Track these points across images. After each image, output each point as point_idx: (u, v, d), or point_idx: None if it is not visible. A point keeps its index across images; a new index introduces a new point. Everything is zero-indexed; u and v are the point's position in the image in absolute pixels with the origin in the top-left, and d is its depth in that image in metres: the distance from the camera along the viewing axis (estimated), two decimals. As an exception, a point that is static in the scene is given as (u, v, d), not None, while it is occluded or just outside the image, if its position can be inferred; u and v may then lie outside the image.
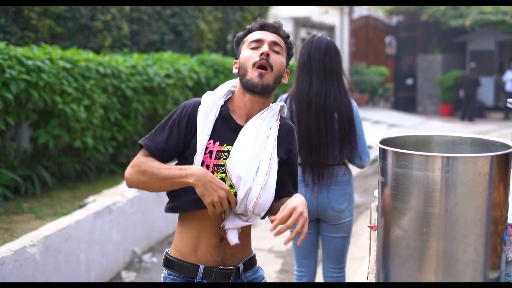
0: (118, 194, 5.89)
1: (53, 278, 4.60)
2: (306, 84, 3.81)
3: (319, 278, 4.44)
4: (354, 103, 3.90)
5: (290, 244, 4.30)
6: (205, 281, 2.39)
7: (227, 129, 2.41)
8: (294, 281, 4.15)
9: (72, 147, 6.89)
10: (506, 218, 2.04)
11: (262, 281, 2.56)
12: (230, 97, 2.51)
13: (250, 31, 2.50)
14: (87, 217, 5.16)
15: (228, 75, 9.95)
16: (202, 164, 2.34)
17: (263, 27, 2.48)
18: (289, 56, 2.53)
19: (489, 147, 2.17)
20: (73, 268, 4.90)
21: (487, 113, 21.99)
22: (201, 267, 2.39)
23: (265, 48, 2.38)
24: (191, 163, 2.35)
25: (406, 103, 23.82)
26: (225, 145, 2.38)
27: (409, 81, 24.17)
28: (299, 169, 3.84)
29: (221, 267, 2.40)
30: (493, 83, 22.61)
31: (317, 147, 3.77)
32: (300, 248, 4.06)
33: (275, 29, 2.48)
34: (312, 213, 3.88)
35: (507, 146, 2.07)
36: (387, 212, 2.05)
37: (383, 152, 2.06)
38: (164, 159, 2.39)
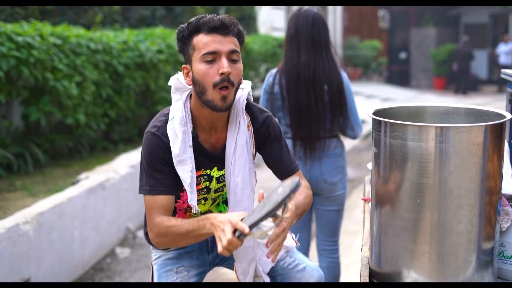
0: (111, 171, 5.87)
1: (47, 255, 4.59)
2: (294, 57, 3.77)
3: (313, 251, 4.44)
4: (344, 75, 3.87)
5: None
6: None
7: (198, 154, 2.36)
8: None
9: (64, 124, 6.85)
10: (500, 188, 2.03)
11: None
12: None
13: (197, 31, 2.24)
14: (80, 193, 5.14)
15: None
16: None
17: (214, 30, 2.21)
18: (241, 43, 2.33)
19: (483, 117, 2.15)
20: (67, 245, 4.89)
21: (481, 86, 21.99)
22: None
23: (225, 66, 2.18)
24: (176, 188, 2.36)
25: (399, 77, 23.79)
26: (202, 169, 2.38)
27: (403, 55, 24.12)
28: (291, 142, 3.83)
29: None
30: (487, 56, 22.58)
31: (307, 120, 3.75)
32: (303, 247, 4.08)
33: (227, 30, 2.24)
34: (305, 186, 3.87)
35: (501, 116, 2.05)
36: (381, 183, 2.04)
37: (376, 123, 2.04)
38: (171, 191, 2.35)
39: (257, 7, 15.01)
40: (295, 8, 19.16)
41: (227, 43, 2.22)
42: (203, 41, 2.21)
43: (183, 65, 2.33)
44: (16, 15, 8.02)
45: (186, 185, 2.31)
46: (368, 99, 16.91)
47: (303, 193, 2.47)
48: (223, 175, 2.44)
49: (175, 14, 11.69)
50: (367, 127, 7.88)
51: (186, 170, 2.30)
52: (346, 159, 3.99)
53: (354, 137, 3.94)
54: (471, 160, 1.90)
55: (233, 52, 2.23)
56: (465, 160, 1.89)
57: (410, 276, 1.98)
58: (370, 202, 2.21)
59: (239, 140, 2.39)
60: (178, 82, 2.37)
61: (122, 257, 5.53)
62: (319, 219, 4.04)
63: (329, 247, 4.07)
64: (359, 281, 2.14)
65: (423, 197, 1.92)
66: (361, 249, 2.36)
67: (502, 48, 20.75)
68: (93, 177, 5.62)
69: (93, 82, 7.01)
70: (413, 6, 23.69)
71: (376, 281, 2.11)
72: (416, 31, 23.62)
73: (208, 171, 2.40)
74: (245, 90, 2.46)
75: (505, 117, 2.02)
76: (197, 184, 2.38)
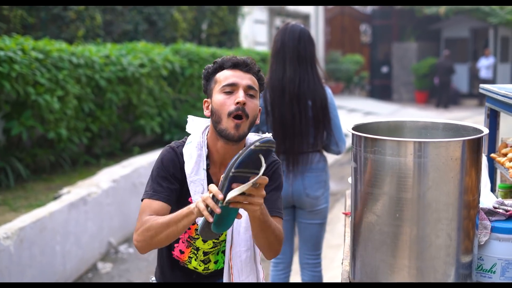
0: (93, 185, 5.85)
1: (28, 270, 4.56)
2: (279, 71, 3.80)
3: (296, 265, 4.45)
4: (328, 90, 3.90)
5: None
6: None
7: (206, 183, 2.37)
8: (271, 268, 4.15)
9: (46, 138, 6.82)
10: (478, 202, 2.06)
11: None
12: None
13: (221, 67, 2.38)
14: (62, 208, 5.11)
15: (203, 65, 9.90)
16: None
17: (236, 66, 2.36)
18: (261, 90, 2.43)
19: (461, 132, 2.18)
20: (49, 260, 4.86)
21: (461, 100, 22.15)
22: None
23: (241, 96, 2.27)
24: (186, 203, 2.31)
25: (381, 91, 23.90)
26: None
27: (385, 69, 24.25)
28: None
29: None
30: (468, 70, 22.77)
31: (291, 134, 3.77)
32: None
33: (248, 68, 2.37)
34: (287, 200, 3.89)
35: (479, 131, 2.08)
36: (360, 198, 2.06)
37: (356, 138, 2.07)
38: (167, 197, 2.35)
39: (239, 21, 15.06)
40: (277, 22, 19.31)
41: (246, 79, 2.34)
42: (224, 75, 2.35)
43: (204, 100, 2.42)
44: (-3, 29, 8.00)
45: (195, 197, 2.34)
46: (350, 113, 16.98)
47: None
48: None
49: (157, 28, 11.70)
50: (350, 141, 7.91)
51: (197, 191, 2.35)
52: (328, 173, 4.02)
53: (338, 152, 3.96)
54: (449, 174, 1.92)
55: (250, 88, 2.33)
56: (443, 174, 1.92)
57: (390, 290, 1.99)
58: (350, 216, 2.23)
59: None
60: (195, 120, 2.50)
61: (104, 272, 5.50)
62: (301, 233, 4.05)
63: (312, 260, 4.08)
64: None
65: (402, 212, 1.94)
66: (342, 263, 2.38)
67: (482, 62, 20.94)
68: (75, 192, 5.59)
69: (75, 97, 7.00)
70: (394, 19, 23.90)
71: (356, 295, 2.13)
72: (398, 45, 23.78)
73: None
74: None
75: (482, 132, 2.05)
76: None
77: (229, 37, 14.39)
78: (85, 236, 5.50)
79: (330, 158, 4.93)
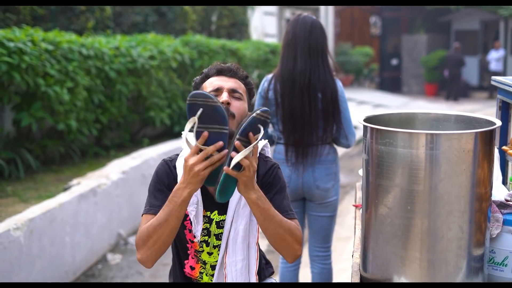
0: (103, 177, 5.86)
1: (38, 261, 4.58)
2: (290, 62, 3.79)
3: (305, 257, 4.45)
4: (339, 83, 3.88)
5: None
6: None
7: (201, 194, 2.39)
8: (280, 260, 4.15)
9: (56, 129, 6.83)
10: (490, 195, 2.05)
11: None
12: None
13: (207, 76, 2.46)
14: (71, 199, 5.13)
15: (213, 56, 9.90)
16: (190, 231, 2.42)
17: (220, 72, 2.44)
18: (250, 96, 2.50)
19: (473, 124, 2.16)
20: (58, 251, 4.88)
21: (471, 92, 22.07)
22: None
23: (224, 97, 2.33)
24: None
25: (391, 83, 23.84)
26: (204, 210, 2.40)
27: (394, 61, 24.18)
28: (283, 148, 3.85)
29: None
30: (478, 62, 22.67)
31: (300, 126, 3.76)
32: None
33: (232, 73, 2.44)
34: (297, 192, 3.88)
35: (491, 123, 2.06)
36: (372, 190, 2.05)
37: (367, 130, 2.05)
38: None
39: (249, 13, 15.04)
40: (287, 14, 19.26)
41: (230, 82, 2.41)
42: (210, 81, 2.43)
43: None
44: (7, 21, 8.01)
45: (191, 216, 2.38)
46: (360, 105, 16.95)
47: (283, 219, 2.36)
48: (223, 220, 2.41)
49: (167, 19, 11.69)
50: (359, 133, 7.89)
51: (191, 203, 2.37)
52: (339, 166, 4.00)
53: (347, 145, 3.94)
54: (461, 167, 1.91)
55: (234, 91, 2.39)
56: (455, 167, 1.90)
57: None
58: (361, 209, 2.22)
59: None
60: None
61: (114, 263, 5.52)
62: (311, 225, 4.04)
63: (321, 253, 4.07)
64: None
65: (414, 204, 1.93)
66: (352, 256, 2.37)
67: (493, 55, 20.84)
68: (85, 183, 5.61)
69: (85, 88, 7.01)
70: (404, 12, 23.80)
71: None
72: (408, 38, 23.70)
73: (208, 213, 2.40)
74: (259, 143, 2.45)
75: (495, 124, 2.03)
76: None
77: (239, 29, 14.37)
78: (95, 228, 5.52)
79: (340, 150, 4.93)
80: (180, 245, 2.48)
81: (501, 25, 22.13)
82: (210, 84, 2.41)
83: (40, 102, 6.30)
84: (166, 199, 2.26)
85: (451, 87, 20.91)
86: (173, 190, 2.22)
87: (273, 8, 18.23)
